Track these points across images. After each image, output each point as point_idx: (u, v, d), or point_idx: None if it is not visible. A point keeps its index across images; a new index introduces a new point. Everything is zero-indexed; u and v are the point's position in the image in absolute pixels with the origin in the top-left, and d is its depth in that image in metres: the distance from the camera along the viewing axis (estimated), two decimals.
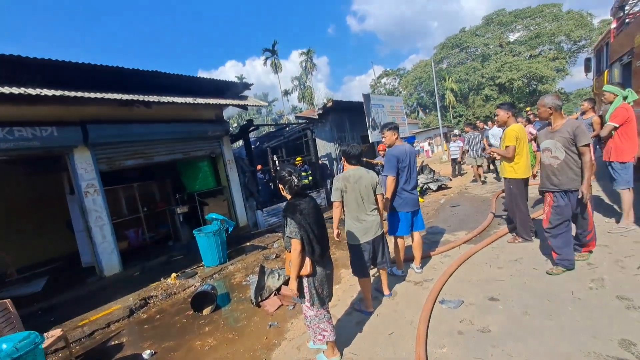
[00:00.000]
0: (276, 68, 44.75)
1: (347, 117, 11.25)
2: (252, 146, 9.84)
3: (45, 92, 4.31)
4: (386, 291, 3.51)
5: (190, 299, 4.20)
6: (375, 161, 7.84)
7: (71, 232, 6.79)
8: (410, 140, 13.78)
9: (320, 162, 10.65)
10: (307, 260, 2.40)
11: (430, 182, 9.26)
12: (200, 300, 4.14)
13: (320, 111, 10.26)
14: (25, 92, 4.16)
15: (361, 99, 10.09)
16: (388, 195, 3.59)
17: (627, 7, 7.27)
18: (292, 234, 2.32)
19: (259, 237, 7.50)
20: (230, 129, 8.56)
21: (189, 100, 6.09)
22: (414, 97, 45.61)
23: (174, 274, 5.42)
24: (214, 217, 5.81)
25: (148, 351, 3.35)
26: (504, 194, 7.54)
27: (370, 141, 10.35)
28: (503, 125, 4.21)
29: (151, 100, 5.41)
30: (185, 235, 7.41)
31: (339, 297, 3.76)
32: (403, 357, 2.54)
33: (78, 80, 5.01)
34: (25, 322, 3.47)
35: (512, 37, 39.58)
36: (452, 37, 41.36)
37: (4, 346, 2.44)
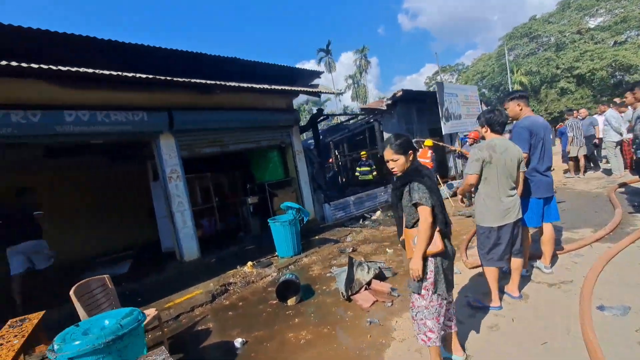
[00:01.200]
0: (330, 67, 44.99)
1: (415, 109, 10.49)
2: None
3: (140, 75, 4.37)
4: (515, 292, 2.88)
5: (275, 288, 3.93)
6: (453, 147, 6.94)
7: (152, 220, 7.06)
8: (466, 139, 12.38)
9: None
10: (437, 235, 1.96)
11: None
12: (283, 290, 3.86)
13: (390, 102, 9.65)
14: (122, 74, 4.25)
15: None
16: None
17: None
18: (422, 200, 1.91)
19: (328, 230, 7.16)
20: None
21: (265, 86, 5.96)
22: None
23: (250, 263, 5.27)
24: (289, 205, 5.57)
25: (239, 339, 3.12)
26: (621, 188, 6.40)
27: (443, 133, 9.49)
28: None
29: (231, 86, 5.33)
30: (255, 227, 7.33)
31: None
32: None
33: (155, 65, 5.04)
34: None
35: (593, 22, 34.90)
36: (520, 27, 37.70)
37: (107, 322, 2.29)
